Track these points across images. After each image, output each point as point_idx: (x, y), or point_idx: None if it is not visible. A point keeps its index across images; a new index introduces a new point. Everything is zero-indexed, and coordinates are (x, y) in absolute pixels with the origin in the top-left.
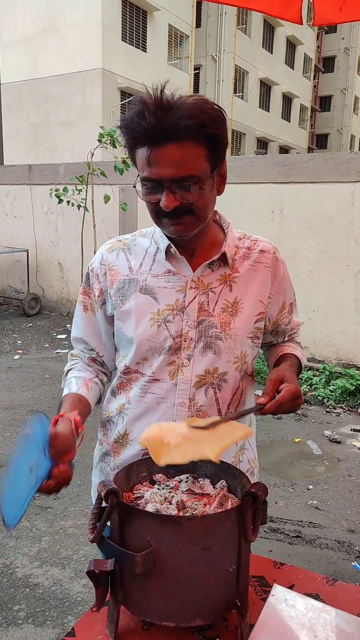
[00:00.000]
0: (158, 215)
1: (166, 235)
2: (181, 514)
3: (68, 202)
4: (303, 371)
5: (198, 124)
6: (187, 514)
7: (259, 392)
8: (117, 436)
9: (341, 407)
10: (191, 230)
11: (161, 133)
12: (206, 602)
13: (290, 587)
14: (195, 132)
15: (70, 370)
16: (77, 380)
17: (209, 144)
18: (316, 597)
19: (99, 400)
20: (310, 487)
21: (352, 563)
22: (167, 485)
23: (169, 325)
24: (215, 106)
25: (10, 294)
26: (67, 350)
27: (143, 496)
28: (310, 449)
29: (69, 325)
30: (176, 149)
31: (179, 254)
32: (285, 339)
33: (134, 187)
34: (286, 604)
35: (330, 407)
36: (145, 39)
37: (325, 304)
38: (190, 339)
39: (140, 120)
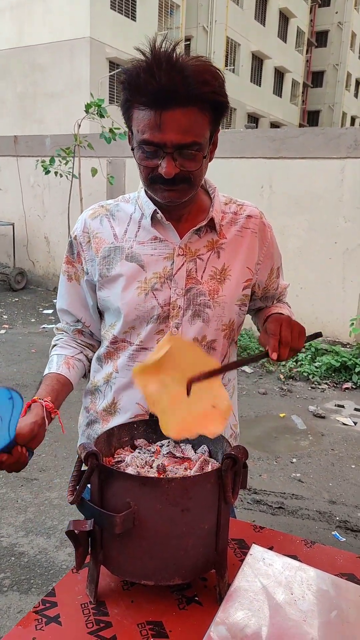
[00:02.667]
0: (152, 180)
1: (152, 201)
2: (162, 477)
3: (56, 173)
4: None
5: (211, 91)
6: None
7: (245, 368)
8: (105, 405)
9: (326, 383)
10: (183, 198)
11: (170, 95)
12: (185, 562)
13: (270, 549)
14: (206, 99)
15: (55, 345)
16: (58, 359)
17: (213, 110)
18: (294, 558)
19: (85, 375)
20: (294, 460)
21: (332, 532)
22: (148, 450)
23: (156, 294)
24: (218, 70)
25: None
26: (54, 325)
27: (124, 460)
28: (294, 423)
29: (55, 300)
30: (184, 114)
31: (165, 219)
32: (274, 302)
33: (132, 149)
34: (263, 563)
35: (316, 383)
36: (135, 8)
37: (313, 282)
38: (179, 307)
39: (148, 77)
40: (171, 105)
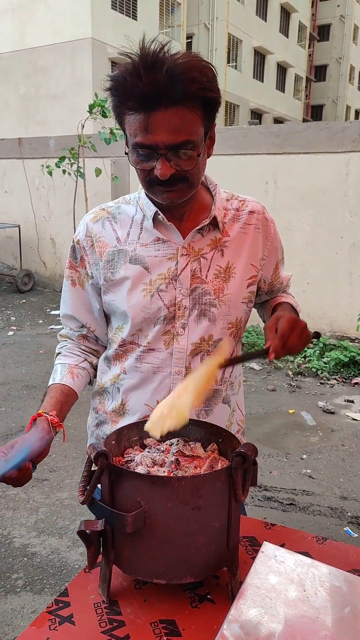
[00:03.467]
0: (150, 183)
1: (153, 202)
2: (172, 474)
3: (64, 171)
4: None
5: (199, 88)
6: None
7: (253, 365)
8: (114, 406)
9: (335, 379)
10: (183, 197)
11: (158, 96)
12: (196, 560)
13: (281, 547)
14: (195, 96)
15: (59, 354)
16: (62, 368)
17: (205, 106)
18: (306, 555)
19: (90, 382)
20: (304, 456)
21: (344, 528)
22: (158, 449)
23: (162, 295)
24: (209, 64)
25: (2, 271)
26: (61, 326)
27: (134, 459)
28: (304, 419)
29: None
30: (173, 114)
31: (167, 220)
32: (279, 293)
33: (126, 153)
34: (275, 560)
35: (324, 378)
36: (136, 7)
37: (320, 277)
38: (185, 307)
39: (135, 80)
40: (159, 106)
